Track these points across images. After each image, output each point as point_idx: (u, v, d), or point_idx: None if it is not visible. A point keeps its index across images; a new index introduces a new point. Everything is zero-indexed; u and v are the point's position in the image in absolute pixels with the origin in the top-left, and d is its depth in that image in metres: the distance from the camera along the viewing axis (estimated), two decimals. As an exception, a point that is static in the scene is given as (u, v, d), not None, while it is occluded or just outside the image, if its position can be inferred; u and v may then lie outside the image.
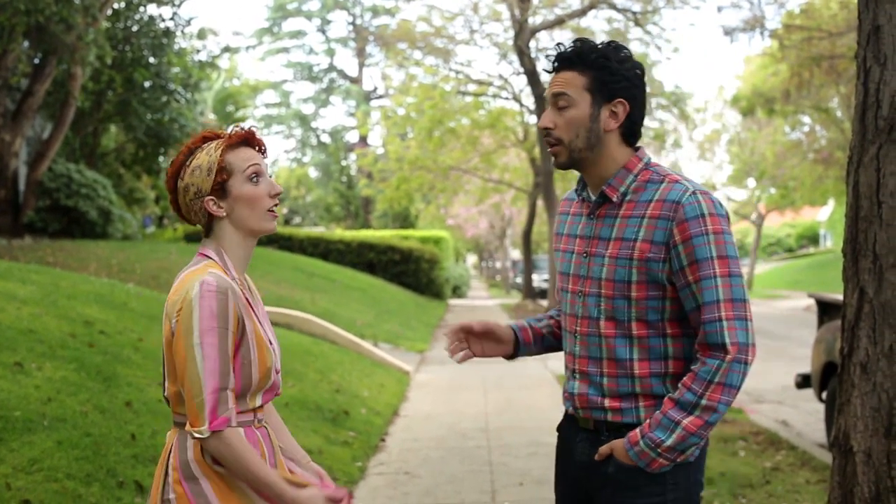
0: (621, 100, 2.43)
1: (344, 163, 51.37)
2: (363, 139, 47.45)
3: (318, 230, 39.26)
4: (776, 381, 11.40)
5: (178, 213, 2.41)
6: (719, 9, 22.00)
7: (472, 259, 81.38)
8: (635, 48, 21.43)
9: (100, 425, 5.07)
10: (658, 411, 2.35)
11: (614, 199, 2.46)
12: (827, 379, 7.23)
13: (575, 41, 2.51)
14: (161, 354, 6.03)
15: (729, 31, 20.35)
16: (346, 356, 10.94)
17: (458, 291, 38.26)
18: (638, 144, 2.54)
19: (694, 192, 2.35)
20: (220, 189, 2.32)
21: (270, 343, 2.37)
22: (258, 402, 2.35)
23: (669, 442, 2.30)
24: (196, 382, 2.17)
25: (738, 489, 5.88)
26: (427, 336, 17.56)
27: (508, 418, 8.57)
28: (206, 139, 2.38)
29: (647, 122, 23.38)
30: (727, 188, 43.60)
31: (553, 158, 2.53)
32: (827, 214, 56.46)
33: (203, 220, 2.36)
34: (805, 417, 9.00)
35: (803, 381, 8.05)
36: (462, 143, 22.95)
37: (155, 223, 30.77)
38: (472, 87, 22.69)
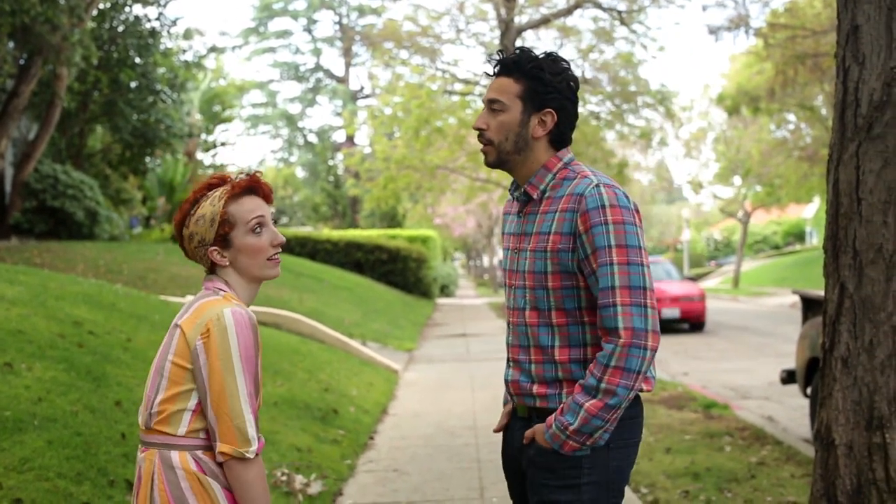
0: (550, 110, 2.59)
1: (331, 162, 51.32)
2: (350, 139, 47.39)
3: (306, 230, 39.25)
4: (762, 378, 11.49)
5: (185, 254, 2.48)
6: (704, 7, 22.12)
7: (459, 258, 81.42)
8: (621, 47, 21.48)
9: (90, 425, 5.10)
10: (561, 405, 2.48)
11: (535, 197, 2.61)
12: (811, 374, 7.31)
13: (517, 49, 2.66)
14: (151, 354, 5.90)
15: (714, 30, 20.44)
16: (334, 355, 10.97)
17: (445, 290, 38.31)
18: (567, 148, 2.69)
19: (597, 185, 2.50)
20: (223, 240, 2.38)
21: None
22: None
23: (575, 425, 2.41)
24: (237, 406, 2.25)
25: (724, 483, 5.95)
26: (415, 335, 17.60)
27: (496, 416, 8.61)
28: (211, 186, 2.43)
29: (632, 120, 23.47)
30: (713, 186, 43.80)
31: (484, 157, 2.67)
32: (813, 212, 56.73)
33: (207, 264, 2.43)
34: (790, 413, 9.09)
35: (788, 377, 8.13)
36: (449, 143, 22.94)
37: (142, 224, 30.66)
38: (458, 87, 22.68)
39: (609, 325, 2.42)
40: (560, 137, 2.64)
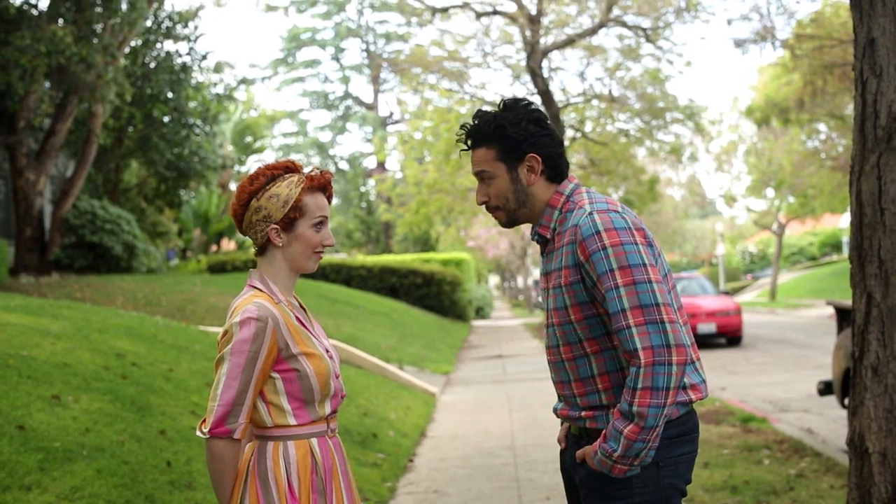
0: (532, 154, 2.62)
1: (363, 189, 51.67)
2: (381, 164, 47.71)
3: (340, 256, 39.52)
4: (801, 390, 11.43)
5: (237, 225, 2.63)
6: (729, 21, 22.11)
7: (494, 280, 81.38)
8: (647, 64, 21.55)
9: (136, 454, 5.23)
10: (604, 432, 2.49)
11: (548, 237, 2.66)
12: (848, 385, 7.29)
13: (474, 117, 2.72)
14: (192, 384, 6.11)
15: (740, 43, 20.45)
16: (372, 380, 11.06)
17: (481, 312, 38.35)
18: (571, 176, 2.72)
19: (590, 213, 2.52)
20: (288, 223, 2.55)
21: (328, 352, 2.60)
22: (327, 409, 2.57)
23: (619, 451, 2.42)
24: (215, 390, 2.43)
25: (763, 496, 5.96)
26: (451, 358, 17.66)
27: (534, 436, 8.67)
28: (289, 170, 2.60)
29: (662, 136, 23.49)
30: (747, 199, 43.54)
31: (498, 222, 2.76)
32: (849, 221, 56.09)
33: (259, 241, 2.59)
34: (830, 424, 9.04)
35: (825, 388, 8.11)
36: (479, 165, 23.08)
37: (178, 256, 31.07)
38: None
39: (628, 348, 2.41)
40: (554, 172, 2.67)
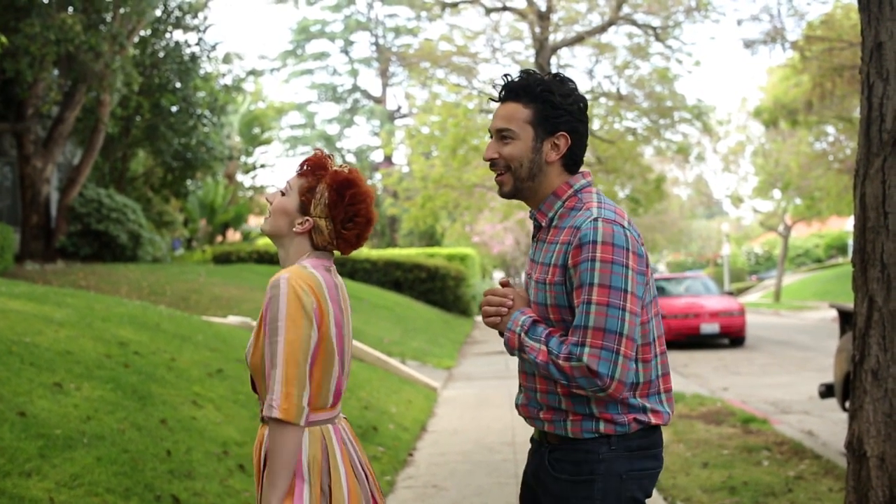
0: (563, 133, 2.51)
1: (369, 182, 51.62)
2: (388, 158, 47.75)
3: (345, 249, 39.37)
4: (803, 392, 11.42)
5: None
6: (739, 22, 22.05)
7: (498, 276, 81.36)
8: (656, 62, 21.51)
9: (137, 442, 5.25)
10: (548, 328, 2.47)
11: (543, 224, 2.57)
12: (849, 388, 7.29)
13: (521, 72, 2.59)
14: (194, 373, 6.14)
15: (749, 44, 20.40)
16: (373, 373, 11.08)
17: (484, 308, 38.21)
18: (582, 170, 2.62)
19: (595, 220, 2.41)
20: None
21: None
22: None
23: (526, 342, 2.45)
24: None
25: (761, 497, 5.96)
26: (454, 353, 17.66)
27: (535, 432, 8.66)
28: None
29: (669, 135, 23.43)
30: (753, 200, 43.47)
31: (499, 188, 2.61)
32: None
33: None
34: (831, 427, 9.03)
35: (827, 391, 8.10)
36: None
37: (184, 245, 31.09)
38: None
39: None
40: (573, 160, 2.57)
